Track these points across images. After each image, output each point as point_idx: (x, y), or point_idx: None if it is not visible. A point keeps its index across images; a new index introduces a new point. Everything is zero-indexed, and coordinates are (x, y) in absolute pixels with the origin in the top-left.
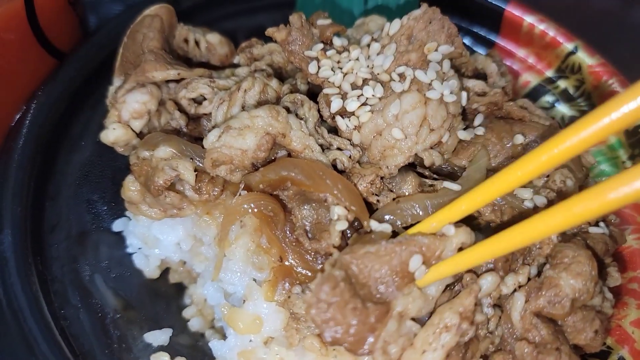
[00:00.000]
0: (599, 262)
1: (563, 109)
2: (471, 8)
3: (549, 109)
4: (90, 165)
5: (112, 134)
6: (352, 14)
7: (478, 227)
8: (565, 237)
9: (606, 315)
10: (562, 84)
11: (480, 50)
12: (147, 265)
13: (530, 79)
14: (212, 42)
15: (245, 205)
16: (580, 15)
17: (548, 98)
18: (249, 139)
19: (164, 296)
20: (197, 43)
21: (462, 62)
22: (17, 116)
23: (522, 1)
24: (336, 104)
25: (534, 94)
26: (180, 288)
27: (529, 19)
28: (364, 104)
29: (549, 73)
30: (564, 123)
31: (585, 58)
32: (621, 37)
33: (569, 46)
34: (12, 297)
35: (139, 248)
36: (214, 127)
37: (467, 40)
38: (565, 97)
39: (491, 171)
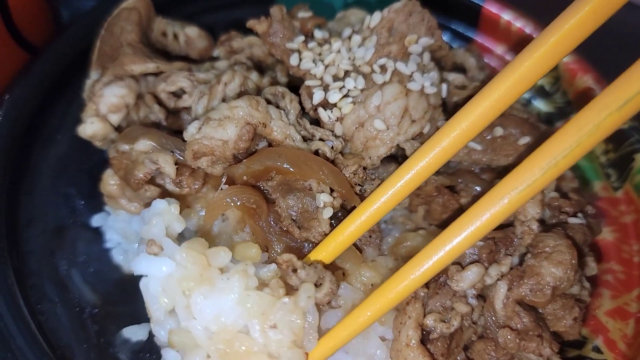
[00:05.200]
0: (578, 251)
1: (539, 104)
2: (449, 4)
3: (526, 105)
4: (67, 159)
5: (90, 128)
6: (333, 7)
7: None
8: (546, 228)
9: (584, 302)
10: (539, 80)
11: (458, 46)
12: (127, 260)
13: None
14: (190, 36)
15: (228, 199)
16: (554, 6)
17: (525, 94)
18: (230, 129)
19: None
20: (175, 36)
21: (441, 55)
22: None
23: None
24: (318, 96)
25: None
26: None
27: (506, 15)
28: (346, 95)
29: None
30: (541, 119)
31: None
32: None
33: None
34: None
35: (118, 243)
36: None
37: (445, 37)
38: (542, 93)
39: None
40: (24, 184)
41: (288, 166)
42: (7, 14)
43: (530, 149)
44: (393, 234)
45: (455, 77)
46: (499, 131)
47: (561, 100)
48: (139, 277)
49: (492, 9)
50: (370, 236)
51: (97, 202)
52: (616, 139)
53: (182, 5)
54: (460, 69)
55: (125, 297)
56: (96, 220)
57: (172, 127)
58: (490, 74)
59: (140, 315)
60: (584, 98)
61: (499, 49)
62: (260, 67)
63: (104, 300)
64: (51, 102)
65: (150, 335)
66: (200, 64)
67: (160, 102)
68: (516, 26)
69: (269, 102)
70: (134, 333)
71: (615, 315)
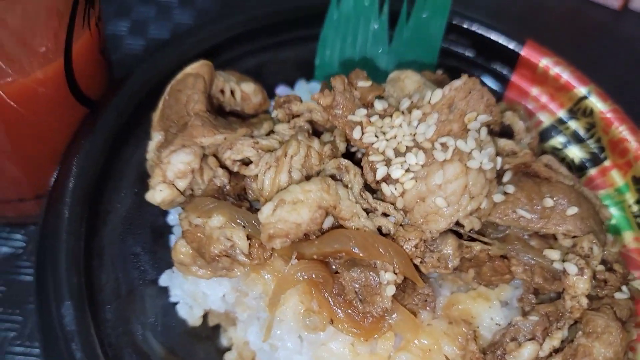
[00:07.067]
0: (623, 324)
1: (574, 150)
2: (489, 46)
3: (561, 150)
4: (130, 216)
5: (160, 195)
6: (386, 72)
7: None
8: (594, 302)
9: None
10: (573, 124)
11: (495, 86)
12: (192, 315)
13: (543, 119)
14: (246, 92)
15: (298, 275)
16: (574, 28)
17: (560, 139)
18: (303, 213)
19: (205, 340)
20: (232, 92)
21: (495, 126)
22: (56, 172)
23: (535, 38)
24: (381, 172)
25: (547, 134)
26: (216, 328)
27: (544, 60)
28: (407, 170)
29: (561, 113)
30: (575, 165)
31: (597, 103)
32: (612, 49)
33: (582, 90)
34: None
35: (183, 298)
36: (261, 191)
37: (484, 78)
38: (576, 138)
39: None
40: (94, 248)
41: (357, 250)
42: (71, 76)
43: (577, 218)
44: (444, 293)
45: (505, 144)
46: (548, 202)
47: (595, 145)
48: (203, 328)
49: (531, 54)
50: (425, 300)
51: (159, 257)
52: None
53: (227, 50)
54: (507, 129)
55: (191, 349)
56: (163, 280)
57: (235, 189)
58: (535, 136)
59: None
60: (618, 148)
61: (534, 91)
62: (317, 129)
63: (172, 356)
64: (113, 160)
65: None
66: (258, 123)
67: (222, 164)
68: (554, 71)
69: (333, 177)
70: None
71: None
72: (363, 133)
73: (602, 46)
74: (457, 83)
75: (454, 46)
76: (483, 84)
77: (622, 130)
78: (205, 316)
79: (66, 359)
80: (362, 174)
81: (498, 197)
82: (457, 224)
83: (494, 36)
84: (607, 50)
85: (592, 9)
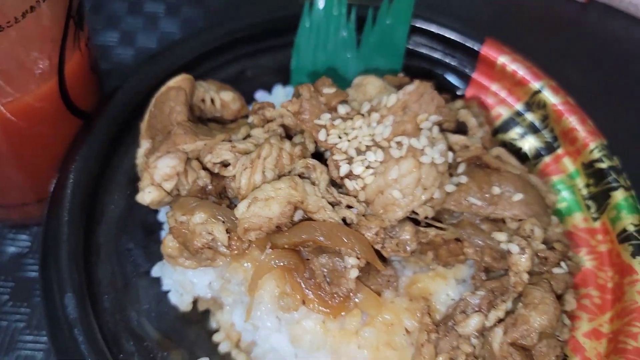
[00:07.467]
0: (559, 298)
1: (531, 139)
2: (451, 46)
3: (517, 140)
4: (124, 217)
5: (149, 197)
6: (349, 80)
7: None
8: (534, 277)
9: (565, 340)
10: (529, 116)
11: (457, 83)
12: (182, 302)
13: (502, 112)
14: (225, 100)
15: (273, 262)
16: (544, 23)
17: (518, 130)
18: (274, 208)
19: (196, 324)
20: (212, 101)
21: (447, 124)
22: (55, 179)
23: (497, 37)
24: (344, 169)
25: (506, 126)
26: (206, 312)
27: (502, 58)
28: (368, 167)
29: (518, 106)
30: (531, 154)
31: (550, 97)
32: (579, 41)
33: (536, 85)
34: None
35: (174, 286)
36: (238, 190)
37: (447, 75)
38: (532, 129)
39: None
40: (92, 246)
41: (322, 239)
42: (64, 92)
43: (523, 204)
44: (407, 274)
45: (458, 139)
46: (496, 190)
47: (549, 135)
48: (193, 313)
49: (490, 52)
50: (388, 281)
51: (150, 251)
52: (596, 176)
53: (207, 60)
54: (462, 126)
55: (183, 333)
56: (155, 272)
57: (216, 188)
58: (488, 130)
59: (197, 350)
60: (569, 137)
61: (494, 86)
62: (289, 131)
63: (168, 341)
64: (106, 167)
65: None
66: (235, 127)
67: (204, 167)
68: (511, 68)
69: (301, 175)
70: None
71: (591, 336)
72: (328, 135)
73: (571, 39)
74: (409, 88)
75: (419, 47)
76: (440, 85)
77: (572, 121)
78: (195, 302)
79: (70, 344)
80: (328, 172)
81: (450, 188)
82: (414, 212)
83: (455, 36)
84: (574, 43)
85: (560, 4)
